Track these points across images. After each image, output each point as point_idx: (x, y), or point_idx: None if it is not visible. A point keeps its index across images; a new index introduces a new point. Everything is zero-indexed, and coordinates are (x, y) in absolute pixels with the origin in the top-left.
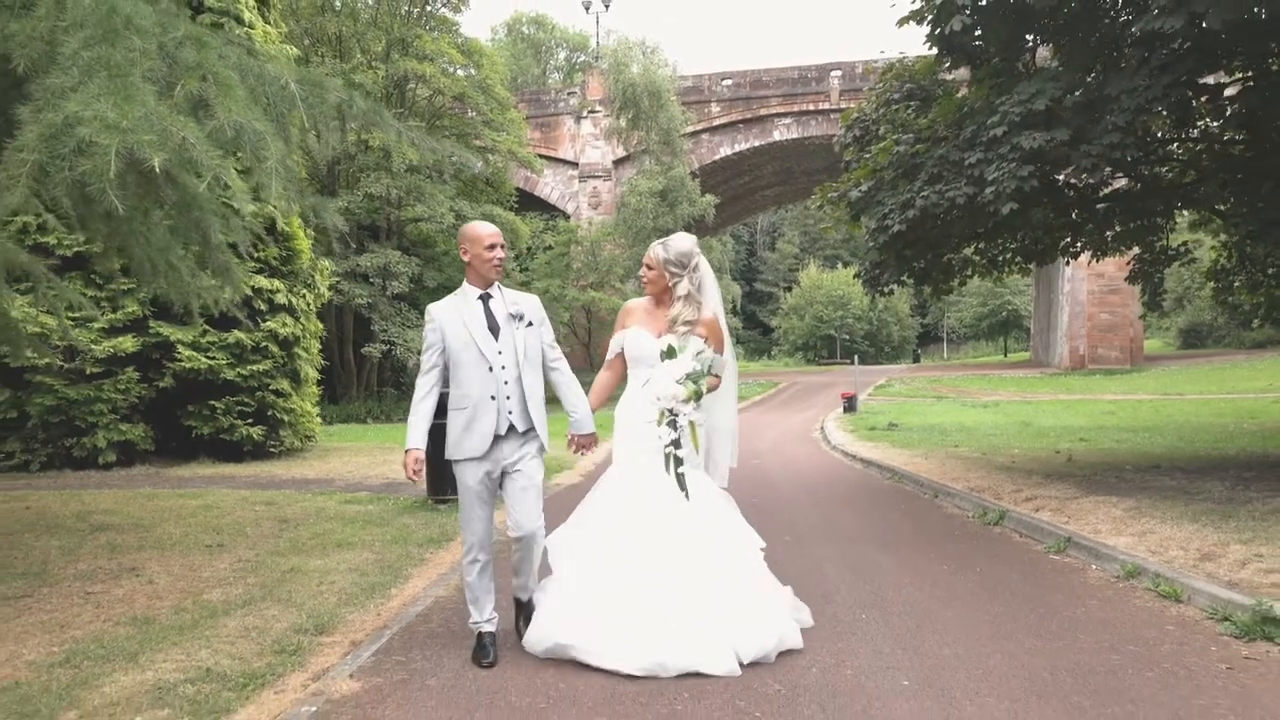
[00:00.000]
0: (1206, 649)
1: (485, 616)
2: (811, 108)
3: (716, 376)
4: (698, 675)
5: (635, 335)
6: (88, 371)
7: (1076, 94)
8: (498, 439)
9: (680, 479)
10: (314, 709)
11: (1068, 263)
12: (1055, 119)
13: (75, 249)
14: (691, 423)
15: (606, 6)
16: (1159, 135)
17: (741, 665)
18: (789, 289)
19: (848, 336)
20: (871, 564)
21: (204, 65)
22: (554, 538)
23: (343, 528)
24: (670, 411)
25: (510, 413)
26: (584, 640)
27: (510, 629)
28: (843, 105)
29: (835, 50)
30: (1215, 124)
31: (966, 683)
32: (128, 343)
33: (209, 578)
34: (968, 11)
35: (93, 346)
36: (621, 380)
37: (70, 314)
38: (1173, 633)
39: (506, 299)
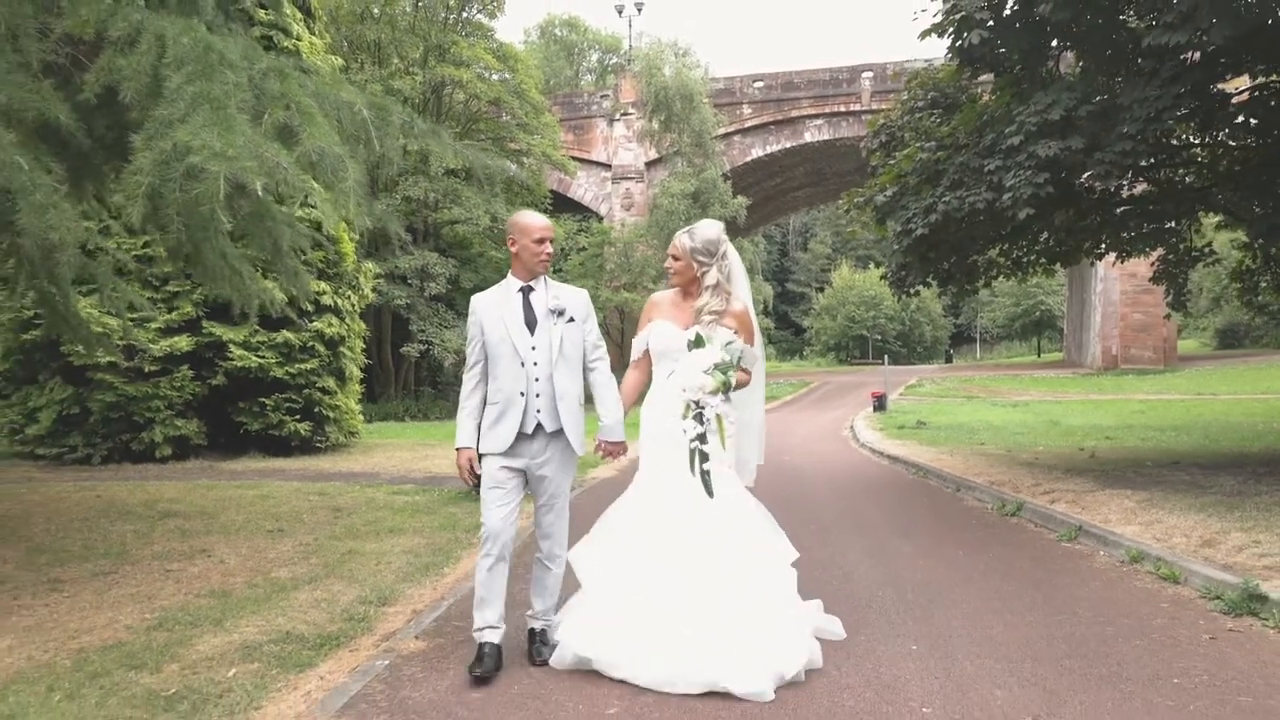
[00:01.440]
0: (1195, 623)
1: (489, 622)
2: (843, 109)
3: (746, 371)
4: (726, 695)
5: (660, 328)
6: (145, 370)
7: (1091, 104)
8: (524, 437)
9: (706, 478)
10: (386, 662)
11: (1093, 264)
12: (1071, 127)
13: (134, 253)
14: (719, 416)
15: (639, 10)
16: (1177, 140)
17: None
18: (821, 289)
19: (880, 337)
20: (891, 550)
21: (287, 95)
22: (575, 552)
23: (393, 516)
24: (696, 404)
25: (539, 411)
26: (611, 655)
27: (522, 653)
28: (874, 107)
29: (867, 51)
30: (1225, 131)
31: (968, 647)
32: (183, 342)
33: (275, 558)
34: (986, 25)
35: (150, 346)
36: (650, 379)
37: (130, 315)
38: (1166, 609)
39: (549, 293)
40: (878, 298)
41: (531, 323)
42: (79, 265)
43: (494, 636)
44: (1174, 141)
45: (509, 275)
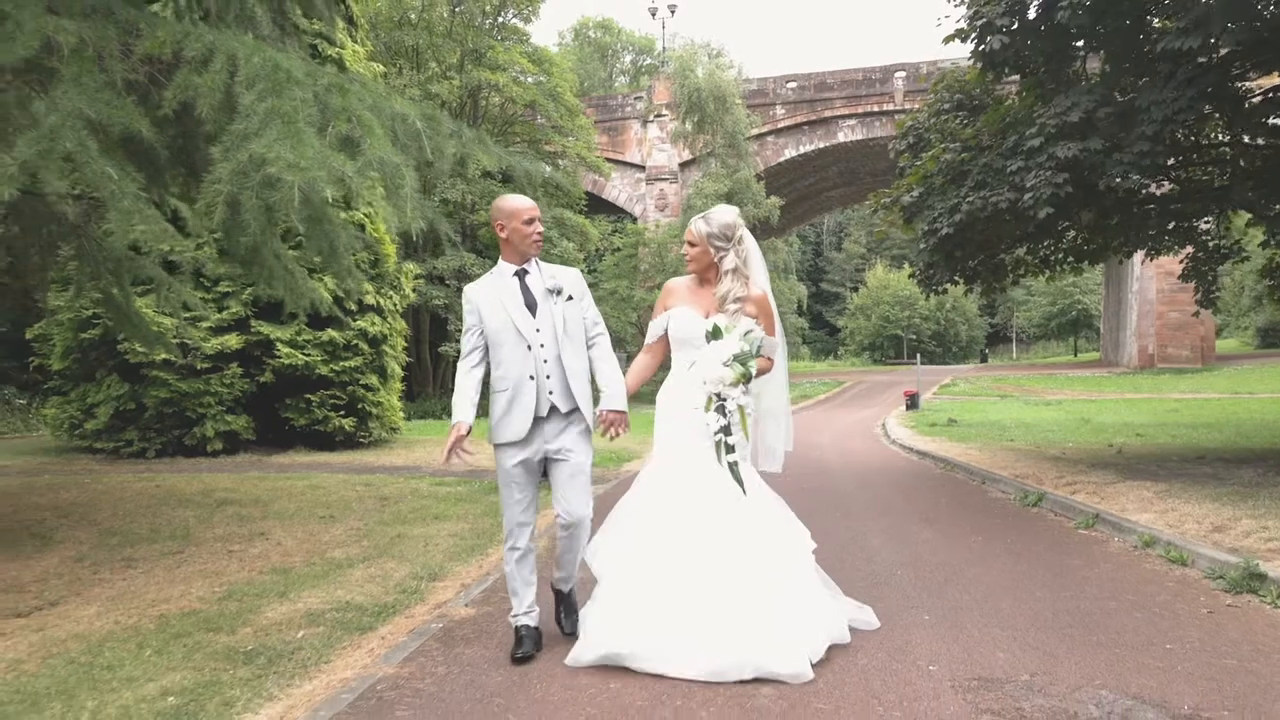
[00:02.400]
0: (1196, 599)
1: (524, 609)
2: (876, 109)
3: (768, 359)
4: (772, 681)
5: (681, 315)
6: (198, 367)
7: (1110, 106)
8: (539, 420)
9: (734, 469)
10: (440, 625)
11: (1121, 261)
12: (1091, 128)
13: (186, 255)
14: (740, 408)
15: (672, 12)
16: (1205, 139)
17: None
18: (855, 289)
19: (914, 337)
20: (912, 535)
21: (348, 108)
22: (592, 545)
23: (437, 504)
24: (718, 396)
25: (551, 393)
26: (637, 648)
27: (552, 624)
28: (907, 106)
29: (900, 50)
30: (1241, 130)
31: (978, 619)
32: (233, 340)
33: (329, 541)
34: (1008, 30)
35: (202, 344)
36: (662, 366)
37: (185, 314)
38: (1170, 588)
39: (544, 274)
40: (912, 297)
41: (532, 305)
42: (138, 267)
43: (530, 620)
44: (1203, 141)
45: (499, 262)
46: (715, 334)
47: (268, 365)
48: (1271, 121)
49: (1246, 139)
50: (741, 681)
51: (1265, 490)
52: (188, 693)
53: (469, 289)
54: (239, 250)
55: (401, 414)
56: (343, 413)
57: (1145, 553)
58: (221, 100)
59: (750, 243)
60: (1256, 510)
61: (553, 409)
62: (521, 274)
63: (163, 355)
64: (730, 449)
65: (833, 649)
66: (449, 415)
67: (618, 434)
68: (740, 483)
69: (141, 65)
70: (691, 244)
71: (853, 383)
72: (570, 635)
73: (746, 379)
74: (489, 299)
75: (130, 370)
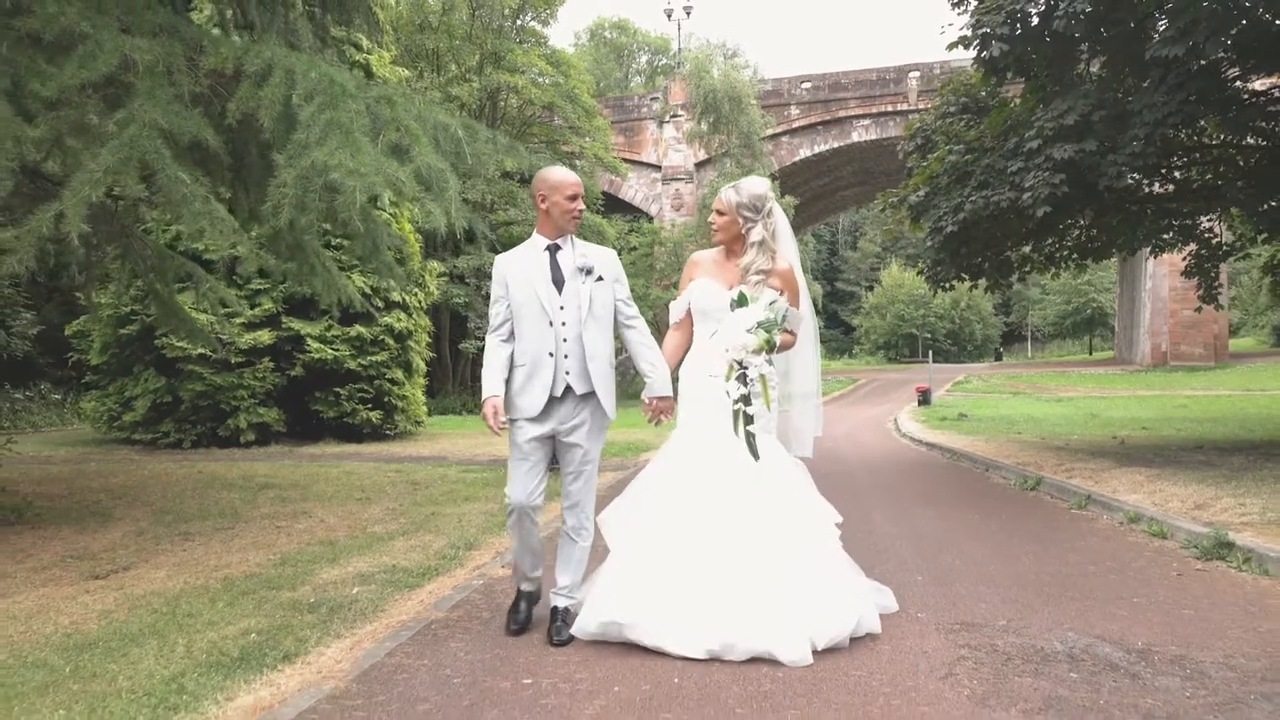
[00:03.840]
0: (1169, 565)
1: (531, 574)
2: (890, 109)
3: (791, 333)
4: (770, 661)
5: (704, 286)
6: (232, 361)
7: (1105, 109)
8: (553, 400)
9: (750, 439)
10: (481, 582)
11: (1124, 259)
12: (1087, 131)
13: (222, 253)
14: (763, 377)
15: (688, 14)
16: (1203, 139)
17: (815, 652)
18: (871, 288)
19: (929, 335)
20: (914, 514)
21: (396, 119)
22: (607, 512)
23: (466, 488)
24: (739, 364)
25: (568, 373)
26: (641, 619)
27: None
28: (920, 106)
29: (914, 51)
30: (1231, 133)
31: (966, 580)
32: (265, 336)
33: (368, 519)
34: (1009, 38)
35: (236, 339)
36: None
37: (223, 310)
38: (1148, 556)
39: (576, 251)
40: (927, 296)
41: (559, 281)
42: (178, 265)
43: (531, 587)
44: (1198, 141)
45: (534, 234)
46: (740, 301)
47: (298, 360)
48: (1258, 123)
49: (1237, 139)
50: (741, 662)
51: (1250, 474)
52: (265, 632)
53: (499, 259)
54: (282, 247)
55: (425, 408)
56: (370, 406)
57: (1130, 528)
58: (280, 111)
59: (780, 216)
60: (1238, 491)
61: (568, 389)
62: (554, 249)
63: (200, 350)
64: (749, 419)
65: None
66: (469, 411)
67: (666, 419)
68: (755, 454)
69: (204, 79)
70: (720, 213)
71: (867, 380)
72: (560, 644)
73: (770, 347)
74: (517, 271)
75: (167, 365)
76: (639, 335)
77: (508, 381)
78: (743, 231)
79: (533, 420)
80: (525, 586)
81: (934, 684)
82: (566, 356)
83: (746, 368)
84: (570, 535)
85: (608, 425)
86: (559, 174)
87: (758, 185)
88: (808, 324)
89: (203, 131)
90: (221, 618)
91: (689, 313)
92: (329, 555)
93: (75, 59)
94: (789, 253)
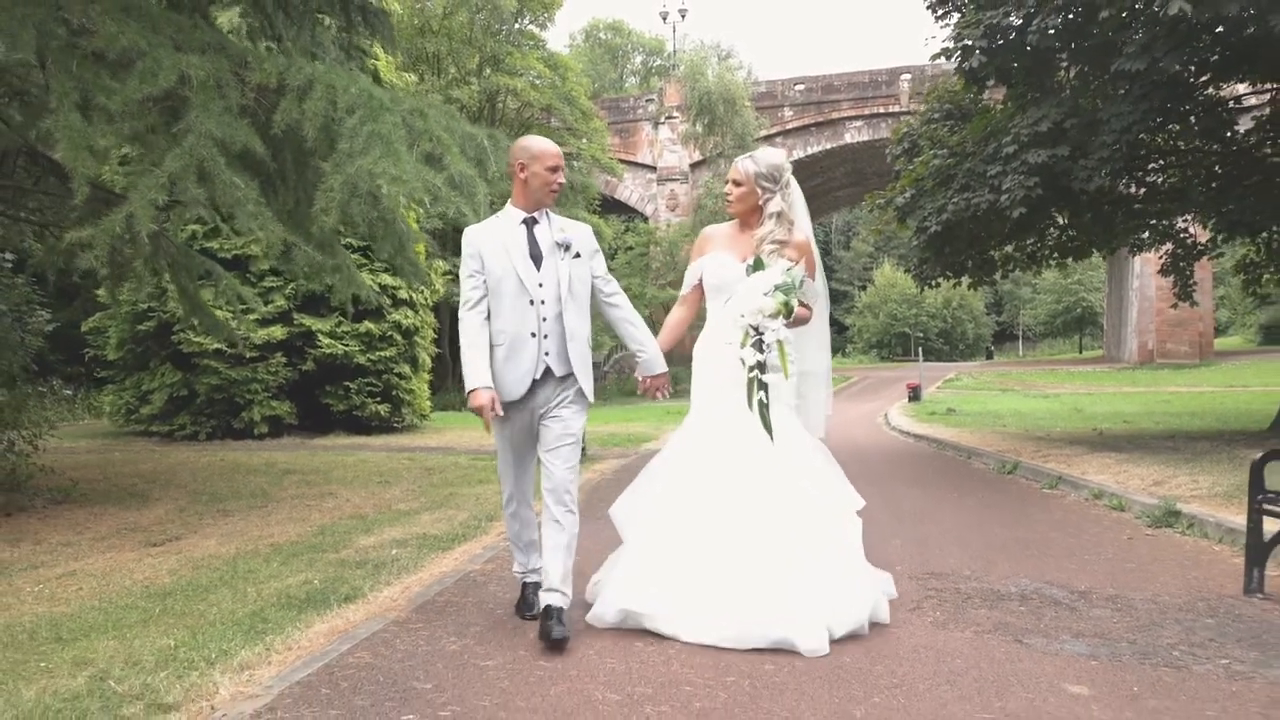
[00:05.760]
0: (1121, 531)
1: (532, 565)
2: (882, 110)
3: (807, 306)
4: (790, 652)
5: (716, 260)
6: (246, 356)
7: (1077, 117)
8: (533, 382)
9: (764, 412)
10: (508, 543)
11: (1105, 257)
12: (1061, 137)
13: (234, 252)
14: (780, 343)
15: (683, 16)
16: (1170, 144)
17: (832, 641)
18: (864, 288)
19: (922, 334)
20: (897, 493)
21: (429, 130)
22: (619, 504)
23: (478, 472)
24: (755, 330)
25: (548, 354)
26: (657, 608)
27: (529, 649)
28: (912, 108)
29: (906, 53)
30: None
31: (939, 543)
32: (277, 331)
33: (391, 498)
34: (985, 51)
35: (250, 335)
36: (699, 319)
37: (232, 307)
38: (1105, 524)
39: (554, 225)
40: (919, 296)
41: (537, 257)
42: (200, 263)
43: (537, 577)
44: (1175, 145)
45: (508, 206)
46: (757, 265)
47: (309, 355)
48: (1218, 131)
49: (1201, 144)
50: (757, 650)
51: (1209, 457)
52: (324, 582)
53: (470, 230)
54: (313, 245)
55: (429, 402)
56: (378, 399)
57: (1094, 503)
58: (324, 123)
59: (796, 189)
60: (1194, 471)
61: (547, 371)
62: (530, 222)
63: (215, 345)
64: (764, 387)
65: None
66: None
67: (663, 397)
68: (769, 429)
69: (250, 92)
70: (737, 183)
71: (859, 378)
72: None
73: (789, 311)
74: (492, 243)
75: (183, 359)
76: (623, 313)
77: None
78: (760, 203)
79: (514, 404)
80: (533, 579)
81: (903, 614)
82: (547, 337)
83: (763, 333)
84: (556, 521)
85: (587, 406)
86: (540, 143)
87: (775, 155)
88: (822, 300)
89: (252, 141)
90: (280, 573)
91: (697, 288)
92: (362, 527)
93: (137, 75)
94: (805, 225)
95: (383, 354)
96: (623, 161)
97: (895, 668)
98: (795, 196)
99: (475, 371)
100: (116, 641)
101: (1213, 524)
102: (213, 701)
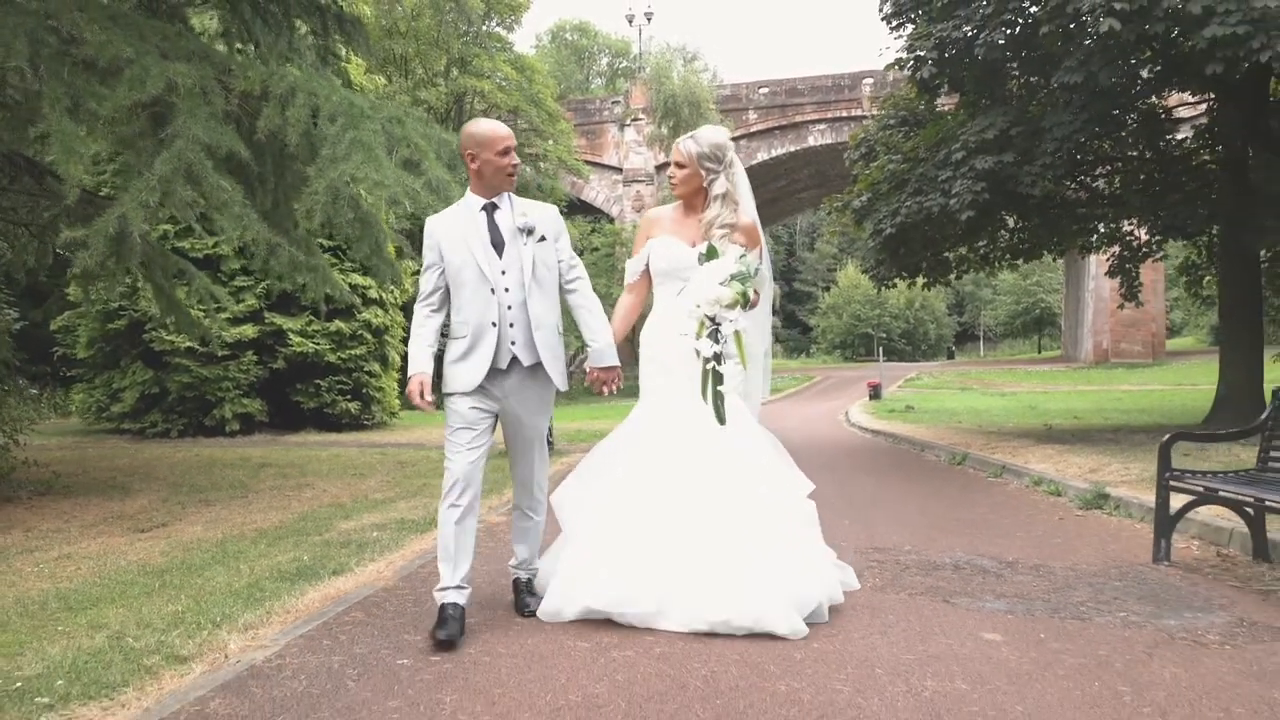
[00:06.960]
0: (1055, 513)
1: (455, 582)
2: (845, 114)
3: (756, 293)
4: (767, 636)
5: (664, 244)
6: (217, 354)
7: (1021, 125)
8: (497, 372)
9: (719, 401)
10: (483, 525)
11: (1055, 258)
12: (1007, 144)
13: (205, 251)
14: (737, 333)
15: (649, 19)
16: (1116, 150)
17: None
18: (827, 289)
19: (885, 335)
20: (852, 482)
21: (407, 137)
22: (559, 493)
23: None
24: (712, 320)
25: (514, 343)
26: (623, 605)
27: (509, 608)
28: (874, 112)
29: (869, 58)
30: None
31: (886, 522)
32: (249, 330)
33: (366, 489)
34: (935, 62)
35: (222, 333)
36: (645, 305)
37: (205, 306)
38: (1041, 507)
39: (515, 210)
40: (882, 297)
41: (498, 243)
42: (174, 263)
43: (459, 598)
44: (1118, 152)
45: (467, 194)
46: (710, 254)
47: (280, 353)
48: (1153, 140)
49: (1138, 152)
50: (733, 636)
51: (1144, 448)
52: (312, 559)
53: (430, 220)
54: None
55: (398, 401)
56: (349, 397)
57: (1034, 489)
58: (305, 130)
59: (739, 168)
60: (1128, 460)
61: (513, 361)
62: (490, 208)
63: (187, 343)
64: (720, 378)
65: None
66: (438, 407)
67: (612, 391)
68: (722, 418)
69: (233, 99)
70: (680, 165)
71: (822, 378)
72: (530, 615)
73: (745, 300)
74: (451, 233)
75: (154, 357)
76: (580, 299)
77: (441, 354)
78: (704, 184)
79: (470, 394)
80: (452, 598)
81: None
82: (511, 325)
83: (719, 324)
84: (526, 513)
85: (554, 397)
86: (487, 127)
87: (717, 134)
88: (767, 284)
89: (236, 145)
90: (268, 553)
91: (645, 274)
92: (342, 514)
93: (125, 81)
94: (750, 207)
95: (353, 352)
96: (589, 163)
97: (835, 620)
98: (739, 175)
99: (412, 361)
100: (124, 609)
101: (1136, 505)
102: (225, 652)
